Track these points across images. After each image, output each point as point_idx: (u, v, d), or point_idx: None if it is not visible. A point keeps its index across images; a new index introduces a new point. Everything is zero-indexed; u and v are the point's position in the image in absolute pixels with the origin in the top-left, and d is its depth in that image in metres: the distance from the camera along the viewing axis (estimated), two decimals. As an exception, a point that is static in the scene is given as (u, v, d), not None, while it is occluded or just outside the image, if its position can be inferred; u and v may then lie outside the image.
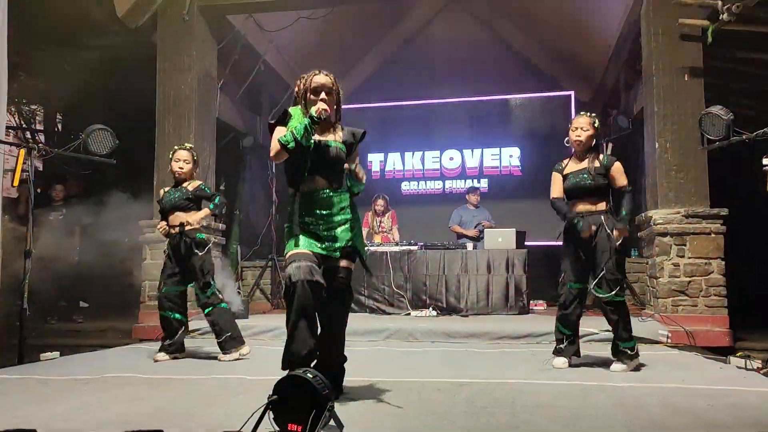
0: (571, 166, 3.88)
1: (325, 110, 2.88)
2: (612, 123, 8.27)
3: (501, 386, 3.26)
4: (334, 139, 3.03)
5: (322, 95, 2.94)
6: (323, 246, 2.93)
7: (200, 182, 4.60)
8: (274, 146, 2.91)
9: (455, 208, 8.29)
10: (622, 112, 7.55)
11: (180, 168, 4.50)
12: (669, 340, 5.02)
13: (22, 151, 4.17)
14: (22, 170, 4.23)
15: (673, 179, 5.52)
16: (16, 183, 4.24)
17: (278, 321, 5.96)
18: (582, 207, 3.78)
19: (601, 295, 3.73)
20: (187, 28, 6.52)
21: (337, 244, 2.95)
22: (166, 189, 4.60)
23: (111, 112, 6.87)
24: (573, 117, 3.83)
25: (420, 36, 10.65)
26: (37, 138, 10.54)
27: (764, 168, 3.93)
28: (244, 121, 8.36)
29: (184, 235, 4.35)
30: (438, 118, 10.00)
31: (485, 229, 7.20)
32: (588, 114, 3.88)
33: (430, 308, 6.74)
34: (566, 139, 3.94)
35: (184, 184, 4.53)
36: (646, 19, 5.90)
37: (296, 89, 3.05)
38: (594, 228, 3.69)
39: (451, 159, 9.86)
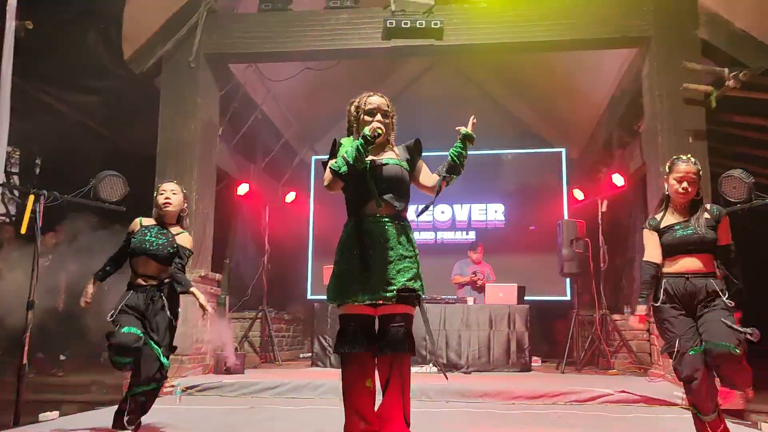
0: (670, 218, 3.30)
1: (380, 129, 2.72)
2: (604, 182, 8.42)
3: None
4: (393, 156, 2.84)
5: (378, 117, 2.80)
6: (373, 293, 2.66)
7: (189, 239, 3.72)
8: (327, 175, 2.72)
9: (453, 260, 8.23)
10: (617, 170, 7.67)
11: (167, 200, 3.61)
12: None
13: (32, 197, 3.98)
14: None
15: (681, 238, 5.56)
16: (23, 230, 4.01)
17: (274, 376, 5.75)
18: (688, 265, 3.18)
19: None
20: (193, 75, 6.46)
21: (392, 286, 2.66)
22: (145, 223, 3.64)
23: (109, 157, 6.68)
24: (672, 165, 3.26)
25: (409, 90, 10.80)
26: (12, 180, 10.23)
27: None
28: (239, 168, 8.25)
29: (160, 290, 3.54)
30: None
31: (486, 284, 7.14)
32: (692, 161, 3.27)
33: (431, 364, 6.59)
34: (665, 188, 3.32)
35: (171, 228, 3.67)
36: (650, 80, 6.06)
37: (348, 115, 2.90)
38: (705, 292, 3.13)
39: (443, 213, 9.88)
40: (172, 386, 5.42)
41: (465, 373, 6.42)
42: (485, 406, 4.77)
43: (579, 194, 8.11)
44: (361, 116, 2.82)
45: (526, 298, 7.42)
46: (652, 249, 3.30)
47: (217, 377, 5.64)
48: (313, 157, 10.27)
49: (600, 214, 7.48)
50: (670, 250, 3.23)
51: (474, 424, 4.07)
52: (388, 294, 2.64)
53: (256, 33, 6.54)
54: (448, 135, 9.90)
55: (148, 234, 3.56)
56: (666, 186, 3.31)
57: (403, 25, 6.11)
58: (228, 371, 6.05)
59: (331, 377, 5.60)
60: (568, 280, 8.80)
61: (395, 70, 10.61)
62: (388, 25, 6.15)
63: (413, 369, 6.35)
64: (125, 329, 3.35)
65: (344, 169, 2.63)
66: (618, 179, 7.36)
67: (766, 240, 7.27)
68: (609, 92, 8.08)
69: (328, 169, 2.72)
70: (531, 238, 9.12)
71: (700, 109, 5.74)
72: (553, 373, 6.66)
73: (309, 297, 9.67)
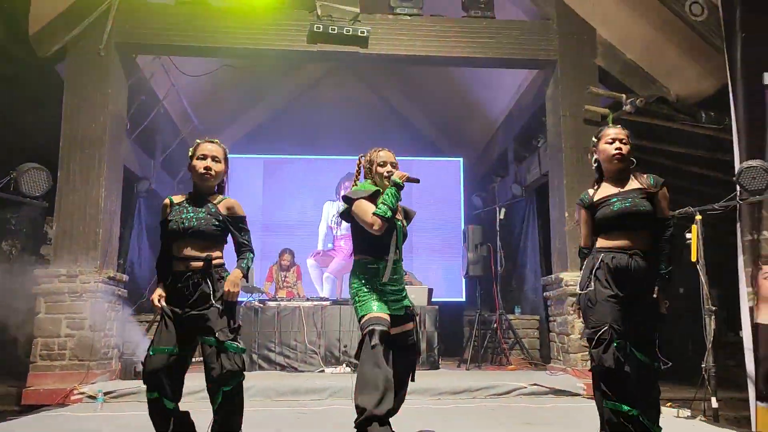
0: (604, 191, 3.04)
1: (408, 175, 3.17)
2: (498, 191, 9.05)
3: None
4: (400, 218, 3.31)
5: (387, 168, 3.24)
6: (396, 308, 3.21)
7: (235, 201, 3.05)
8: (375, 221, 3.06)
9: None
10: (514, 181, 8.29)
11: (207, 169, 2.94)
12: (585, 393, 5.50)
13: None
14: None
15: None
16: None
17: (190, 381, 5.57)
18: (627, 242, 2.91)
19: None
20: (102, 64, 6.09)
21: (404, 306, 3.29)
22: (177, 200, 3.00)
23: None
24: (599, 133, 3.14)
25: (308, 94, 10.87)
26: None
27: (687, 242, 4.61)
28: (140, 165, 7.84)
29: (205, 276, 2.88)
30: (323, 173, 10.10)
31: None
32: (618, 125, 3.15)
33: (344, 365, 6.71)
34: (593, 158, 3.16)
35: (211, 198, 3.00)
36: (554, 101, 6.63)
37: (360, 165, 3.35)
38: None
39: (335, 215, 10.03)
40: (81, 393, 5.10)
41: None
42: (417, 402, 4.96)
43: (478, 202, 8.63)
44: (375, 167, 3.27)
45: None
46: (582, 229, 3.11)
47: (133, 383, 5.36)
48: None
49: (498, 221, 8.03)
50: (607, 225, 2.95)
51: (422, 419, 4.24)
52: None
53: (174, 25, 6.30)
54: (346, 140, 10.14)
55: (185, 211, 2.91)
56: (596, 157, 3.13)
57: (330, 31, 6.20)
58: (139, 376, 5.74)
59: (254, 379, 5.55)
60: (464, 282, 9.32)
61: (295, 72, 10.62)
62: (315, 30, 6.21)
63: (327, 370, 6.52)
64: (153, 351, 2.83)
65: (390, 213, 3.07)
66: (516, 189, 7.94)
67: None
68: (507, 107, 8.69)
69: (372, 216, 3.07)
70: (431, 242, 9.54)
71: (597, 129, 6.38)
72: (459, 371, 7.03)
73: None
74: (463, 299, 9.38)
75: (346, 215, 3.27)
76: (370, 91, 10.97)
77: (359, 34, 6.22)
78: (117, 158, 6.32)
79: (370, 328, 3.00)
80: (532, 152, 8.05)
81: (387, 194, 3.13)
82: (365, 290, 3.15)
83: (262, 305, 6.88)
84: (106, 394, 5.01)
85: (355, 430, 2.92)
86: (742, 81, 5.12)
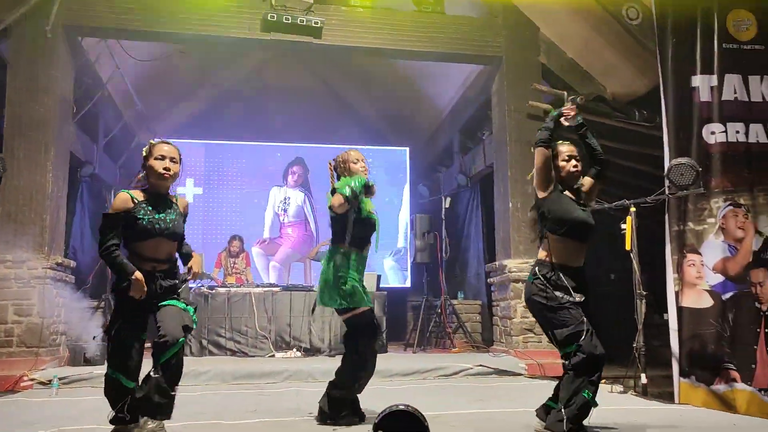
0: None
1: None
2: (444, 180, 9.33)
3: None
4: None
5: (360, 164, 3.59)
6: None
7: (185, 200, 3.25)
8: (338, 199, 3.35)
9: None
10: (459, 171, 8.58)
11: (166, 170, 2.98)
12: (526, 372, 5.85)
13: None
14: None
15: (523, 233, 6.50)
16: None
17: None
18: (578, 255, 3.19)
19: None
20: (49, 46, 5.94)
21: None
22: (138, 197, 2.97)
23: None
24: (557, 148, 3.38)
25: (254, 78, 10.79)
26: None
27: (622, 231, 4.98)
28: (83, 149, 7.66)
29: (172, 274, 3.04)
30: (269, 159, 10.09)
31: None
32: (567, 141, 3.45)
33: (294, 349, 6.84)
34: (530, 174, 3.49)
35: (171, 198, 3.09)
36: (499, 96, 6.92)
37: (332, 168, 3.67)
38: None
39: (298, 205, 10.05)
40: (32, 379, 5.05)
41: (329, 356, 6.77)
42: (370, 383, 5.15)
43: (424, 191, 8.88)
44: (349, 165, 3.58)
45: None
46: (543, 174, 3.33)
47: (83, 369, 5.32)
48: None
49: (443, 210, 8.30)
50: (570, 231, 3.15)
51: (380, 398, 4.43)
52: None
53: (125, 8, 6.20)
54: (292, 127, 10.15)
55: (156, 212, 2.95)
56: (555, 169, 3.34)
57: (284, 20, 6.24)
58: (87, 362, 5.71)
59: (209, 364, 5.62)
60: (409, 269, 9.58)
61: (240, 56, 10.52)
62: (269, 18, 6.24)
63: (278, 355, 6.64)
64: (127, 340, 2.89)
65: (350, 194, 3.35)
66: (461, 179, 8.23)
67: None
68: (452, 99, 8.94)
69: (339, 196, 3.36)
70: (379, 231, 9.71)
71: (539, 124, 6.70)
72: (406, 354, 7.29)
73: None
74: (408, 285, 9.65)
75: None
76: (316, 78, 11.00)
77: (313, 24, 6.30)
78: (63, 143, 6.20)
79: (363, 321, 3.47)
80: (476, 144, 8.35)
81: (356, 181, 3.42)
82: (356, 280, 3.44)
83: (211, 291, 6.91)
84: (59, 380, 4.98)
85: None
86: (673, 83, 5.52)
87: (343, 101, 11.14)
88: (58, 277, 5.81)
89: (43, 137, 5.83)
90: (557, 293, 3.08)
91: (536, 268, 3.19)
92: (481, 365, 5.74)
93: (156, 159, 2.99)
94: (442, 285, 7.89)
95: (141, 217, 2.91)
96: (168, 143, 3.10)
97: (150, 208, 2.94)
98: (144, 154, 3.06)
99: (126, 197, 2.94)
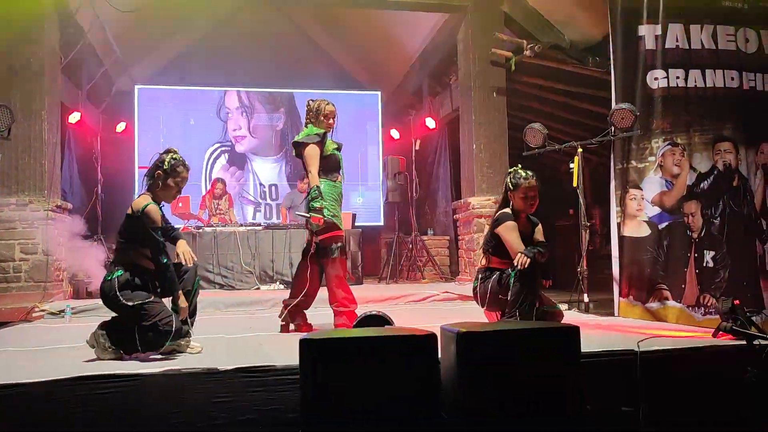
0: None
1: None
2: (414, 123, 9.80)
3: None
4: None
5: (330, 121, 4.15)
6: None
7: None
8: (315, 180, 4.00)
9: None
10: (428, 114, 9.06)
11: (179, 194, 3.45)
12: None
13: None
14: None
15: (486, 173, 7.09)
16: None
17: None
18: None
19: None
20: (35, -1, 6.19)
21: None
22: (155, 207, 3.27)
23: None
24: (516, 184, 3.85)
25: (226, 25, 10.96)
26: None
27: (570, 170, 5.58)
28: (69, 96, 7.96)
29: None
30: (242, 106, 10.44)
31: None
32: (531, 176, 3.88)
33: (277, 282, 7.45)
34: (510, 202, 3.93)
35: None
36: (464, 44, 7.36)
37: (309, 110, 4.16)
38: None
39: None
40: (42, 310, 5.55)
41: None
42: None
43: (395, 134, 9.36)
44: (321, 116, 4.11)
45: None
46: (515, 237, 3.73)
47: (89, 301, 5.86)
48: (137, 87, 10.07)
49: (414, 152, 8.84)
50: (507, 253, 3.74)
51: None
52: None
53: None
54: (264, 72, 10.43)
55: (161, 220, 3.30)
56: (510, 199, 3.90)
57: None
58: (90, 295, 6.24)
59: (202, 295, 6.17)
60: (381, 208, 10.17)
61: (215, 2, 10.66)
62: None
63: (263, 287, 7.23)
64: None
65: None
66: (430, 122, 8.73)
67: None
68: (422, 45, 9.30)
69: (313, 176, 4.01)
70: (353, 172, 10.24)
71: (502, 70, 7.21)
72: (381, 285, 7.96)
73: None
74: (381, 223, 10.26)
75: (299, 156, 3.97)
76: (289, 23, 11.22)
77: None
78: (55, 91, 6.53)
79: (341, 244, 4.05)
80: (444, 88, 8.81)
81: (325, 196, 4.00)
82: (334, 206, 4.00)
83: (199, 230, 7.43)
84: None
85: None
86: (621, 32, 5.99)
87: (316, 46, 11.40)
88: (58, 218, 6.27)
89: (36, 87, 6.18)
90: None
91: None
92: (446, 292, 6.41)
93: (177, 177, 3.32)
94: (413, 222, 8.50)
95: (171, 228, 3.47)
96: (187, 167, 3.40)
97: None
98: (165, 167, 3.29)
99: (155, 210, 3.23)
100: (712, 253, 5.87)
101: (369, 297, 6.21)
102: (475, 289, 3.94)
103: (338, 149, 4.22)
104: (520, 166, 4.02)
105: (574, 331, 2.26)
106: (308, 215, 3.93)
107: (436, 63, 8.96)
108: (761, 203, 6.18)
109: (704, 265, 5.85)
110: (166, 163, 3.30)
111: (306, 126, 4.17)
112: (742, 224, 5.87)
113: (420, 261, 8.59)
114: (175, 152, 3.38)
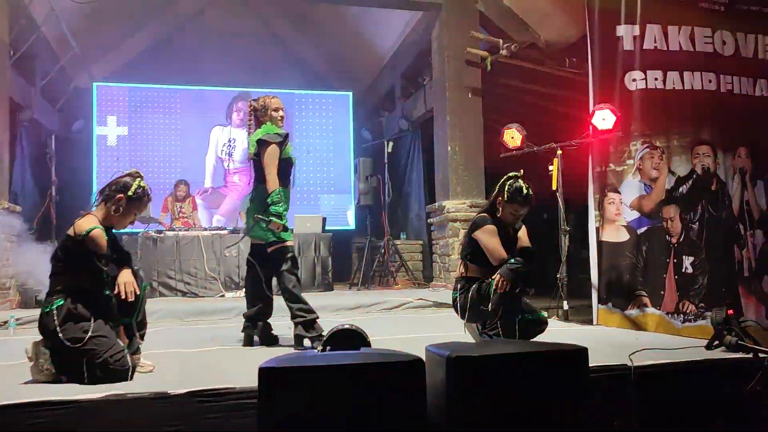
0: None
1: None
2: (386, 124, 9.56)
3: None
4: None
5: (280, 113, 3.82)
6: None
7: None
8: (275, 185, 3.68)
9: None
10: (401, 116, 8.83)
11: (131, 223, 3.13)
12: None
13: None
14: None
15: (461, 176, 6.88)
16: None
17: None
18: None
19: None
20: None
21: None
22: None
23: None
24: (512, 197, 3.51)
25: (194, 22, 10.62)
26: None
27: (550, 172, 5.38)
28: (20, 93, 7.50)
29: None
30: (208, 102, 10.04)
31: (296, 215, 7.75)
32: (528, 199, 3.57)
33: (243, 290, 7.08)
34: (498, 208, 3.59)
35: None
36: (439, 42, 7.14)
37: (255, 109, 3.82)
38: None
39: (243, 150, 10.07)
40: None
41: (278, 295, 7.06)
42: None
43: (367, 135, 9.10)
44: (270, 112, 3.80)
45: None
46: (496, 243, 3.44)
47: (37, 310, 5.43)
48: (95, 84, 9.62)
49: (386, 154, 8.57)
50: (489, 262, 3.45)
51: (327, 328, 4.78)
52: None
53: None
54: (232, 71, 10.12)
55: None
56: (498, 207, 3.56)
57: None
58: (39, 304, 5.81)
59: (161, 303, 5.84)
60: (353, 212, 9.89)
61: None
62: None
63: (228, 295, 6.89)
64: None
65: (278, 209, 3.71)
66: (403, 124, 8.49)
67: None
68: (394, 44, 9.09)
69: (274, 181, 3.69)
70: (323, 174, 9.96)
71: (477, 70, 7.01)
72: (351, 291, 7.67)
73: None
74: (353, 227, 9.98)
75: (258, 155, 3.73)
76: (258, 22, 10.89)
77: (255, -33, 6.31)
78: (2, 87, 6.12)
79: (293, 254, 3.78)
80: (418, 89, 8.59)
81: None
82: (285, 209, 3.70)
83: (160, 235, 7.06)
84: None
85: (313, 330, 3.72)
86: (599, 32, 5.84)
87: (286, 46, 11.10)
88: (6, 222, 5.84)
89: (-19, 82, 5.75)
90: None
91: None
92: (420, 299, 6.17)
93: (137, 210, 2.98)
94: (385, 226, 8.24)
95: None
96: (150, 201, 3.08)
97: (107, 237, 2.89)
98: (130, 193, 2.90)
99: (102, 234, 2.84)
100: (691, 258, 5.77)
101: (339, 304, 5.94)
102: (455, 300, 3.67)
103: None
104: (522, 173, 3.68)
105: (582, 354, 2.00)
106: (268, 219, 3.64)
107: (409, 63, 8.75)
108: (739, 208, 6.10)
109: (683, 271, 5.74)
110: (132, 189, 2.90)
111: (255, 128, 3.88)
112: (721, 229, 5.79)
113: (392, 266, 8.33)
114: (141, 177, 2.98)
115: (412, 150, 9.26)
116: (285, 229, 3.71)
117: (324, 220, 7.76)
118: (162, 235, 7.08)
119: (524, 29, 7.16)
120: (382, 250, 8.26)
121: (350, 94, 10.27)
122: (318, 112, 10.23)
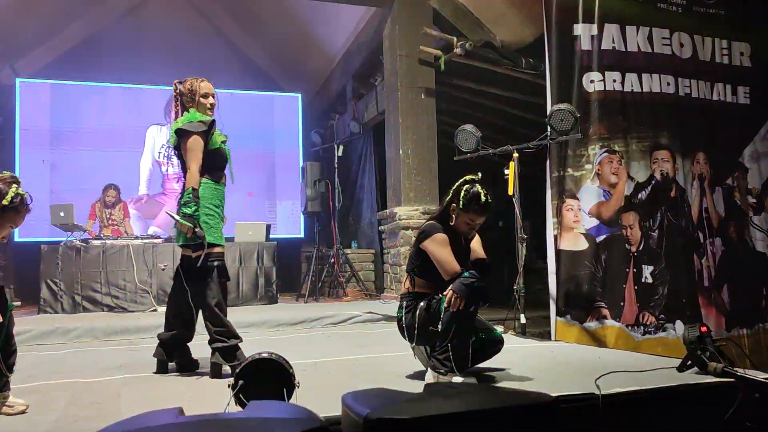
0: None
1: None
2: (337, 127, 9.13)
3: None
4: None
5: (210, 100, 3.34)
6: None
7: None
8: (195, 180, 3.21)
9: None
10: (352, 118, 8.41)
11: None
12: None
13: None
14: None
15: (413, 181, 6.50)
16: None
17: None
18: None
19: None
20: None
21: None
22: None
23: None
24: (468, 205, 3.05)
25: (132, 15, 10.01)
26: None
27: (506, 176, 5.04)
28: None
29: None
30: (146, 100, 9.41)
31: (237, 223, 7.24)
32: (487, 207, 3.12)
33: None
34: (452, 215, 3.13)
35: None
36: (390, 40, 6.78)
37: (181, 93, 3.34)
38: None
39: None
40: None
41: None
42: (255, 333, 5.04)
43: (316, 138, 8.65)
44: (198, 98, 3.31)
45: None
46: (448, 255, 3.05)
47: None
48: (17, 80, 8.90)
49: (336, 158, 8.15)
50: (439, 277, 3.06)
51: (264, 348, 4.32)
52: None
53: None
54: (171, 67, 9.60)
55: None
56: (452, 214, 3.13)
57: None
58: None
59: (79, 321, 5.25)
60: (302, 219, 9.41)
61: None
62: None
63: (161, 309, 6.33)
64: None
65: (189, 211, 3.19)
66: (354, 126, 8.08)
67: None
68: (345, 44, 8.68)
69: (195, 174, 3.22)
70: (269, 179, 9.46)
71: (430, 70, 6.67)
72: (297, 304, 7.19)
73: (17, 240, 8.51)
74: (302, 235, 9.49)
75: (177, 147, 3.23)
76: (201, 18, 10.36)
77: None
78: None
79: (220, 263, 3.29)
80: (369, 90, 8.20)
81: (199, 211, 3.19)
82: (215, 214, 3.27)
83: (85, 244, 6.44)
84: None
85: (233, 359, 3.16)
86: (556, 31, 5.58)
87: (231, 44, 10.58)
88: None
89: None
90: None
91: None
92: (369, 312, 5.74)
93: (13, 222, 2.51)
94: (335, 234, 7.81)
95: None
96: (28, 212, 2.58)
97: None
98: (5, 202, 2.43)
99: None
100: (651, 268, 5.56)
101: (281, 319, 5.47)
102: (399, 320, 3.18)
103: (224, 142, 3.41)
104: (479, 177, 3.19)
105: (551, 409, 1.58)
106: (177, 218, 3.11)
107: (360, 63, 8.36)
108: (698, 215, 5.93)
109: (643, 280, 5.52)
110: (7, 198, 2.43)
111: (180, 114, 3.36)
112: (680, 237, 5.61)
113: (342, 276, 7.89)
114: (18, 184, 2.50)
115: (363, 154, 8.86)
116: (200, 233, 3.13)
117: (268, 227, 7.27)
118: (87, 244, 6.46)
119: (479, 28, 6.86)
120: (332, 260, 7.81)
121: (299, 95, 9.81)
122: (265, 113, 9.72)
